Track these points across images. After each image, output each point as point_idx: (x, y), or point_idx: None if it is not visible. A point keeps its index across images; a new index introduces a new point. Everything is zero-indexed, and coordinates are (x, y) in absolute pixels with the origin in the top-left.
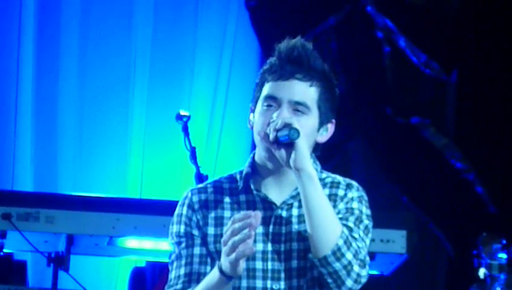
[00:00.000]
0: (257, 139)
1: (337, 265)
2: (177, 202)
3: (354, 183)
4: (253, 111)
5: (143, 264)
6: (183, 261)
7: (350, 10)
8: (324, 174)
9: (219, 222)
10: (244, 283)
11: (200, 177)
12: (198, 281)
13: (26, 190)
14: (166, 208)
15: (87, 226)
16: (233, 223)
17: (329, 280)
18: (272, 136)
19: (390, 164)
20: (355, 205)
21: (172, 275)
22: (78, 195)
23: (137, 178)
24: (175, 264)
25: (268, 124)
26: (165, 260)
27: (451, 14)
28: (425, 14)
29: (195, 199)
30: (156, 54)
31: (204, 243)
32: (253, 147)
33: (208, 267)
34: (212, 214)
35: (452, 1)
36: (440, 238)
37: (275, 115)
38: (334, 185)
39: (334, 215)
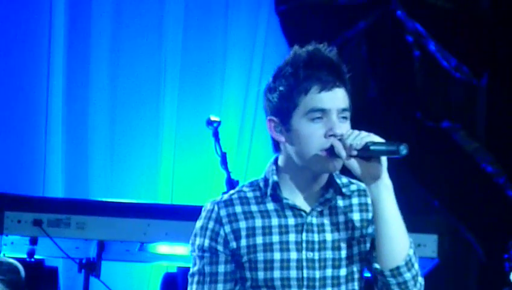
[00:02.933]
0: (310, 152)
1: (408, 275)
2: None
3: None
4: (285, 123)
5: (174, 270)
6: (207, 279)
7: (380, 14)
8: (345, 179)
9: (251, 233)
10: None
11: (231, 183)
12: None
13: (57, 196)
14: (197, 214)
15: (118, 232)
16: None
17: None
18: (353, 152)
19: (421, 168)
20: None
21: (193, 288)
22: (109, 201)
23: (168, 184)
24: (196, 278)
25: (325, 136)
26: None
27: (481, 18)
28: (455, 17)
29: (223, 213)
30: (186, 59)
31: (229, 260)
32: None
33: (231, 284)
34: (243, 226)
35: (482, 4)
36: (471, 242)
37: (343, 128)
38: (362, 193)
39: (404, 226)
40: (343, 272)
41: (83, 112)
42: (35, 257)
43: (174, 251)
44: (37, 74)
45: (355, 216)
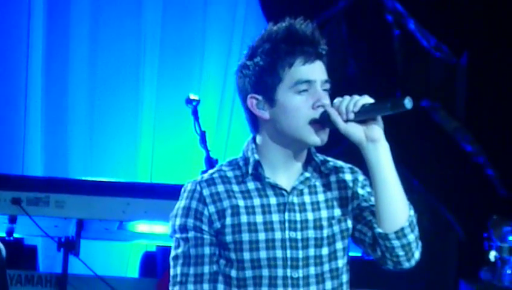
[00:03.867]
0: (299, 124)
1: (411, 236)
2: None
3: (352, 166)
4: (268, 99)
5: (153, 249)
6: (192, 261)
7: None
8: (321, 157)
9: (235, 212)
10: (265, 272)
11: (210, 161)
12: (208, 282)
13: (36, 174)
14: (176, 192)
15: (97, 210)
16: None
17: (401, 253)
18: (350, 115)
19: (400, 147)
20: (369, 188)
21: (177, 271)
22: (88, 180)
23: (148, 162)
24: (181, 261)
25: (313, 107)
26: None
27: None
28: None
29: (206, 192)
30: (165, 38)
31: (213, 241)
32: None
33: (216, 266)
34: (227, 205)
35: None
36: (451, 222)
37: (327, 99)
38: (339, 170)
39: (402, 187)
40: (325, 251)
41: (62, 91)
42: (14, 235)
43: (153, 230)
44: (15, 52)
45: (335, 194)
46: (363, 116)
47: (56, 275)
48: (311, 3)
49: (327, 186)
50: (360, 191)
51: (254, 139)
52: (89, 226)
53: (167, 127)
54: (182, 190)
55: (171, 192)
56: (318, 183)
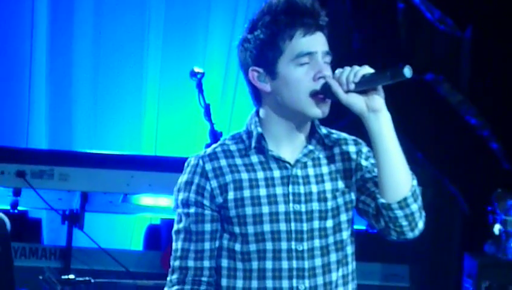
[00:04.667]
0: (301, 96)
1: (414, 206)
2: None
3: (356, 138)
4: (269, 72)
5: (158, 222)
6: (193, 237)
7: None
8: (325, 130)
9: (238, 186)
10: (269, 246)
11: (215, 134)
12: (209, 258)
13: (41, 147)
14: (181, 165)
15: (102, 183)
16: None
17: (405, 223)
18: (350, 86)
19: (404, 120)
20: (373, 159)
21: (178, 245)
22: (92, 152)
23: (152, 135)
24: (182, 235)
25: (314, 79)
26: None
27: None
28: None
29: (208, 167)
30: (170, 11)
31: (215, 217)
32: None
33: (218, 242)
34: (229, 179)
35: None
36: (455, 195)
37: (329, 71)
38: (342, 142)
39: (404, 157)
40: (329, 223)
41: (66, 64)
42: (19, 208)
43: (158, 203)
44: (20, 26)
45: (339, 166)
46: (364, 86)
47: (60, 247)
48: None
49: (331, 159)
50: (364, 162)
51: (257, 112)
52: (93, 199)
53: (171, 100)
54: (185, 164)
55: (175, 165)
56: (322, 155)
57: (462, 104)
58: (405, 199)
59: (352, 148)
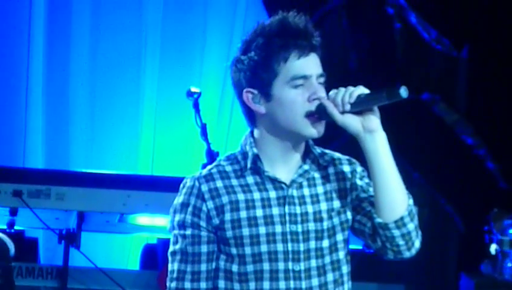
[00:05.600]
0: (296, 118)
1: (411, 225)
2: None
3: (350, 157)
4: (264, 94)
5: (154, 241)
6: (190, 259)
7: None
8: (319, 150)
9: (235, 207)
10: (266, 266)
11: (211, 154)
12: (206, 280)
13: (37, 167)
14: (177, 185)
15: (98, 203)
16: None
17: (401, 242)
18: (346, 107)
19: (400, 140)
20: (367, 179)
21: (175, 267)
22: (89, 172)
23: (149, 155)
24: (179, 257)
25: (309, 100)
26: None
27: None
28: None
29: (204, 188)
30: (166, 31)
31: (211, 239)
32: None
33: (214, 263)
34: (226, 201)
35: None
36: (451, 214)
37: (323, 92)
38: (337, 162)
39: (400, 176)
40: (325, 243)
41: (63, 83)
42: (15, 227)
43: (154, 222)
44: (17, 44)
45: (333, 186)
46: (360, 107)
47: (57, 267)
48: None
49: (326, 179)
50: (359, 182)
51: (252, 133)
52: (90, 218)
53: (168, 120)
54: (181, 185)
55: (171, 185)
56: (317, 175)
57: (459, 123)
58: (402, 219)
59: (346, 168)
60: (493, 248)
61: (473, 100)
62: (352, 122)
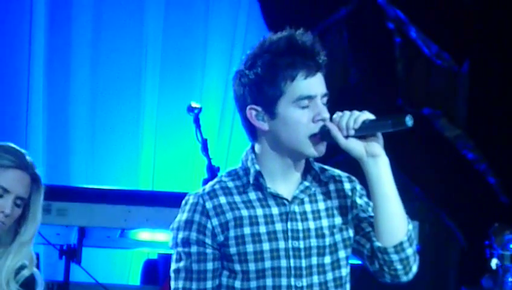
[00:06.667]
0: (299, 138)
1: (410, 250)
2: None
3: (349, 175)
4: (268, 111)
5: (155, 257)
6: (195, 276)
7: (361, 1)
8: (319, 166)
9: (238, 223)
10: (269, 282)
11: (212, 169)
12: None
13: None
14: (178, 200)
15: (99, 218)
16: None
17: (399, 267)
18: (350, 132)
19: (401, 155)
20: (366, 198)
21: (180, 285)
22: (90, 187)
23: (149, 170)
24: (183, 275)
25: (313, 121)
26: None
27: (462, 5)
28: (436, 4)
29: (209, 205)
30: (167, 46)
31: (216, 256)
32: None
33: (218, 280)
34: (230, 217)
35: None
36: (452, 229)
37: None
38: (337, 178)
39: (401, 201)
40: (327, 259)
41: (63, 99)
42: None
43: (155, 238)
44: (17, 60)
45: (334, 203)
46: (364, 133)
47: (58, 282)
48: (313, 11)
49: (327, 195)
50: (359, 200)
51: (253, 148)
52: (91, 234)
53: (169, 135)
54: (183, 202)
55: (172, 200)
56: (318, 191)
57: (459, 138)
58: (401, 244)
59: (347, 186)
60: (494, 262)
61: (474, 115)
62: (355, 146)
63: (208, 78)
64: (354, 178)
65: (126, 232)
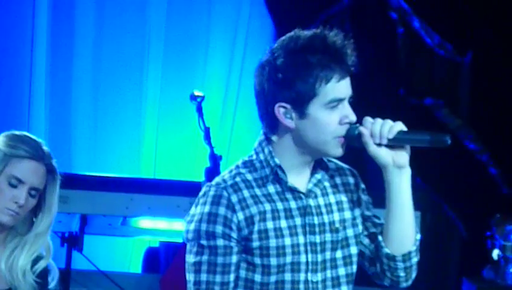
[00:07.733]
0: (326, 139)
1: (415, 260)
2: (191, 182)
3: (351, 168)
4: (299, 111)
5: (156, 245)
6: (219, 269)
7: None
8: (325, 159)
9: (262, 218)
10: (288, 277)
11: (214, 158)
12: (234, 288)
13: None
14: (179, 189)
15: (101, 206)
16: None
17: (402, 274)
18: (383, 140)
19: None
20: (367, 194)
21: (202, 278)
22: (91, 175)
23: (151, 158)
24: (205, 267)
25: (340, 123)
26: (179, 240)
27: None
28: None
29: (234, 199)
30: (170, 35)
31: (240, 249)
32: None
33: (237, 272)
34: (254, 211)
35: None
36: (453, 220)
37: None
38: (341, 171)
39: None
40: (339, 254)
41: (66, 87)
42: None
43: (157, 226)
44: (20, 47)
45: (343, 197)
46: (396, 143)
47: (59, 270)
48: (316, 0)
49: (335, 188)
50: (364, 197)
51: (268, 139)
52: (93, 221)
53: (171, 123)
54: (202, 193)
55: (174, 188)
56: (327, 184)
57: (461, 128)
58: (409, 253)
59: (351, 180)
60: (495, 253)
61: (476, 106)
62: (384, 155)
63: (210, 66)
64: (355, 172)
65: (128, 220)
